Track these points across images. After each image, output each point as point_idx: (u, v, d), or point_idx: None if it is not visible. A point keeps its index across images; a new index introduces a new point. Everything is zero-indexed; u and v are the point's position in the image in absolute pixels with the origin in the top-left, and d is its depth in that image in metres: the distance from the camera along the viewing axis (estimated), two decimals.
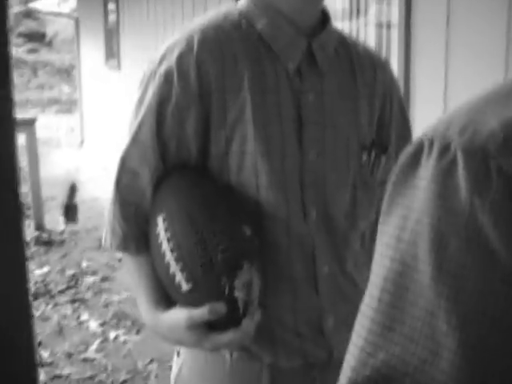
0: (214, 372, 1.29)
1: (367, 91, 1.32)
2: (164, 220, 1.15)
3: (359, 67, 1.32)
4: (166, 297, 1.20)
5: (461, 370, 0.50)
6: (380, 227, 0.58)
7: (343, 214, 1.27)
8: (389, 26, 3.26)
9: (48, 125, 14.38)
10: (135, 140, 1.21)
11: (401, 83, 3.00)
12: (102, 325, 4.30)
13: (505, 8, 2.25)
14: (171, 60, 1.18)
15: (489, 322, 0.50)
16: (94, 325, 4.30)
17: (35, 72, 20.28)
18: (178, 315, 1.16)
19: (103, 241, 1.29)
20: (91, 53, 10.39)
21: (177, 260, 1.12)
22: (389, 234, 0.56)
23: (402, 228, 0.54)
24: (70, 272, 5.28)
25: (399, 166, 0.57)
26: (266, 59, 1.22)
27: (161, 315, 1.21)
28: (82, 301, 4.72)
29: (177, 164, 1.22)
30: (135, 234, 1.24)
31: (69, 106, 16.51)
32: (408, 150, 0.56)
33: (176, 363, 1.37)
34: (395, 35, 3.06)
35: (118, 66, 8.21)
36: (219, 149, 1.20)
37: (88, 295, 4.82)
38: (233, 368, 1.27)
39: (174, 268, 1.12)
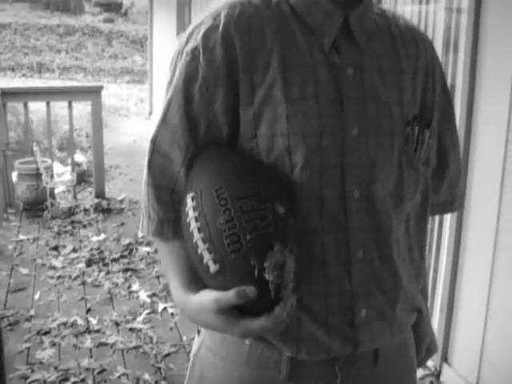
0: (231, 354, 1.24)
1: (410, 66, 1.23)
2: (193, 198, 1.09)
3: (401, 40, 1.24)
4: (198, 279, 1.12)
5: None
6: None
7: (388, 194, 1.19)
8: (459, 11, 3.14)
9: (118, 94, 14.58)
10: (164, 121, 1.17)
11: (468, 67, 2.89)
12: (151, 296, 4.32)
13: None
14: (197, 38, 1.13)
15: None
16: (143, 295, 4.32)
17: (110, 41, 20.53)
18: (206, 298, 1.08)
19: (140, 227, 1.24)
20: (163, 25, 10.42)
21: (204, 240, 1.05)
22: None
23: None
24: (125, 241, 5.33)
25: None
26: (300, 34, 1.15)
27: (190, 297, 1.14)
28: (134, 271, 4.75)
29: (208, 144, 1.16)
30: (172, 219, 1.18)
31: (140, 76, 16.68)
32: None
33: (196, 342, 1.33)
34: (464, 20, 2.95)
35: None
36: (248, 129, 1.13)
37: (140, 265, 4.86)
38: (251, 352, 1.22)
39: (202, 248, 1.06)
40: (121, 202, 6.51)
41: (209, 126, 1.15)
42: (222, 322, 1.07)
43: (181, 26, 8.92)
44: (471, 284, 3.08)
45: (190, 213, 1.08)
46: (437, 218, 3.32)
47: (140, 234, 5.42)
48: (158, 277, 4.64)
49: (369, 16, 1.21)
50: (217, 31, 1.12)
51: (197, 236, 1.06)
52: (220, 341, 1.25)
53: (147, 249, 5.16)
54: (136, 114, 12.54)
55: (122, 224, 5.85)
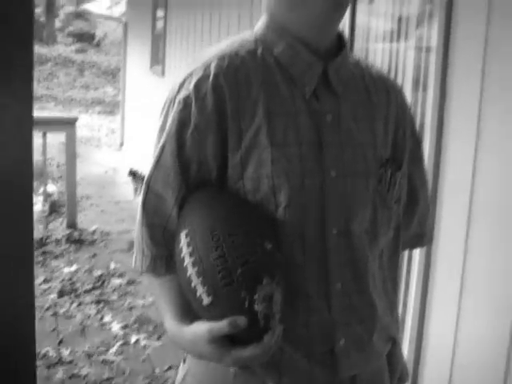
0: (216, 382, 1.30)
1: (382, 113, 1.34)
2: (186, 235, 1.17)
3: (374, 90, 1.35)
4: (191, 311, 1.20)
5: None
6: None
7: (364, 231, 1.28)
8: (428, 50, 3.25)
9: (90, 124, 14.59)
10: (158, 164, 1.25)
11: (436, 106, 2.98)
12: (123, 328, 4.33)
13: None
14: (189, 87, 1.22)
15: None
16: (116, 327, 4.33)
17: (82, 72, 20.58)
18: (200, 328, 1.16)
19: (133, 263, 1.32)
20: (137, 57, 10.50)
21: (198, 274, 1.13)
22: None
23: None
24: (97, 272, 5.34)
25: None
26: (283, 83, 1.25)
27: (184, 328, 1.21)
28: (107, 302, 4.76)
29: (199, 185, 1.24)
30: (165, 256, 1.26)
31: (111, 107, 16.71)
32: None
33: (181, 369, 1.39)
34: (433, 59, 3.05)
35: (162, 73, 8.27)
36: (235, 172, 1.22)
37: (113, 297, 4.86)
38: (235, 380, 1.28)
39: (196, 282, 1.13)
40: (92, 233, 6.51)
41: (200, 166, 1.23)
42: (214, 351, 1.14)
43: (155, 58, 9.00)
44: (440, 316, 3.14)
45: (184, 249, 1.16)
46: (406, 253, 3.39)
47: (112, 266, 5.44)
48: (130, 308, 4.65)
49: (345, 66, 1.31)
50: (207, 81, 1.21)
51: (191, 270, 1.14)
52: (205, 369, 1.30)
53: (119, 280, 5.16)
54: (107, 144, 12.56)
55: (94, 255, 5.84)
